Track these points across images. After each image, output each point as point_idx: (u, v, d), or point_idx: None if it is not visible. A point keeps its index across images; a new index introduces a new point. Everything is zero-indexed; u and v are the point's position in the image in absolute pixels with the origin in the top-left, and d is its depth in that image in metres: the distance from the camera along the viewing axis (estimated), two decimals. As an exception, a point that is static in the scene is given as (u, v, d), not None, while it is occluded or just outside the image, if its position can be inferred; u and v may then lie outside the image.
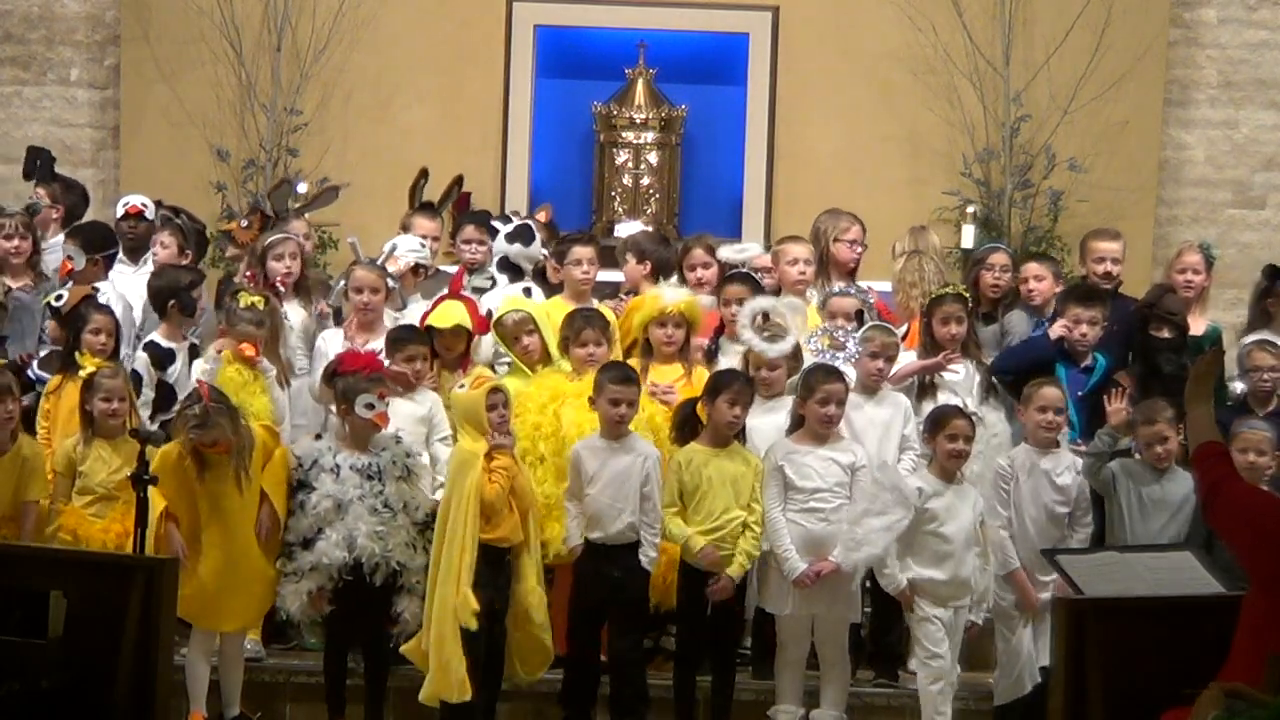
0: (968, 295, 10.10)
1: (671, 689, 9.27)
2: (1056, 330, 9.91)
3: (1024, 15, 13.54)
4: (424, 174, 12.35)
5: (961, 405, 9.47)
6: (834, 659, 9.21)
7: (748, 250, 10.92)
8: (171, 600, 7.38)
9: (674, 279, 10.33)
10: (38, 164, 11.84)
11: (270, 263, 10.23)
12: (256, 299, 9.74)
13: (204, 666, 9.02)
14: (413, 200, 11.92)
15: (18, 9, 13.64)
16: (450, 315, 9.72)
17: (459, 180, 12.51)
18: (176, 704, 8.58)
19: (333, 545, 8.93)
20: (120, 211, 11.25)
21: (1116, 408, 9.40)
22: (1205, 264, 10.84)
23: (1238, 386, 10.25)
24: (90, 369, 9.34)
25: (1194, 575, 7.43)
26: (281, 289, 10.19)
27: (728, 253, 10.83)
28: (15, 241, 10.64)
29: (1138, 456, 9.43)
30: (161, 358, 9.78)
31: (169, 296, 9.93)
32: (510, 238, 10.74)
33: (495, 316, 9.88)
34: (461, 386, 9.10)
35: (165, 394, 9.67)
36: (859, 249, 10.89)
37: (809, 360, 9.65)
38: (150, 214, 11.15)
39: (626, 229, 12.11)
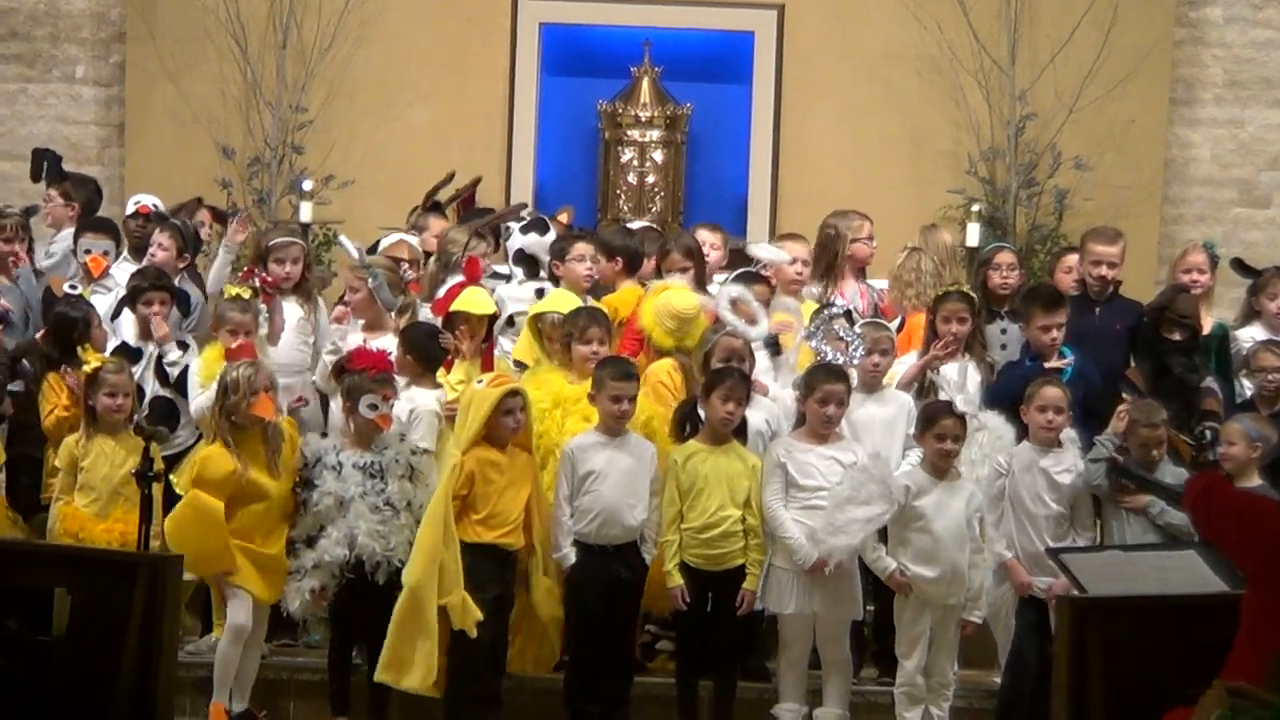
0: (973, 294, 10.10)
1: (674, 688, 9.28)
2: (1054, 365, 9.90)
3: (1029, 14, 13.55)
4: (450, 177, 12.30)
5: (953, 403, 9.43)
6: (836, 658, 9.20)
7: (779, 254, 10.88)
8: (176, 597, 7.39)
9: (676, 276, 10.26)
10: (45, 165, 11.81)
11: (272, 265, 10.23)
12: (241, 290, 9.77)
13: (235, 656, 9.00)
14: (427, 199, 11.91)
15: (23, 6, 13.66)
16: (483, 302, 9.70)
17: (477, 181, 12.47)
18: (181, 702, 8.59)
19: (334, 543, 8.94)
20: (130, 209, 11.25)
21: (1122, 412, 9.42)
22: (1210, 263, 10.85)
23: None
24: (94, 364, 9.33)
25: (1198, 574, 7.43)
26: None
27: (760, 252, 10.80)
28: (14, 245, 10.65)
29: (1122, 459, 9.45)
30: (130, 357, 9.76)
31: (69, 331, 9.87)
32: (525, 230, 10.72)
33: (534, 311, 9.91)
34: (480, 382, 9.09)
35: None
36: (873, 245, 10.93)
37: (803, 357, 9.67)
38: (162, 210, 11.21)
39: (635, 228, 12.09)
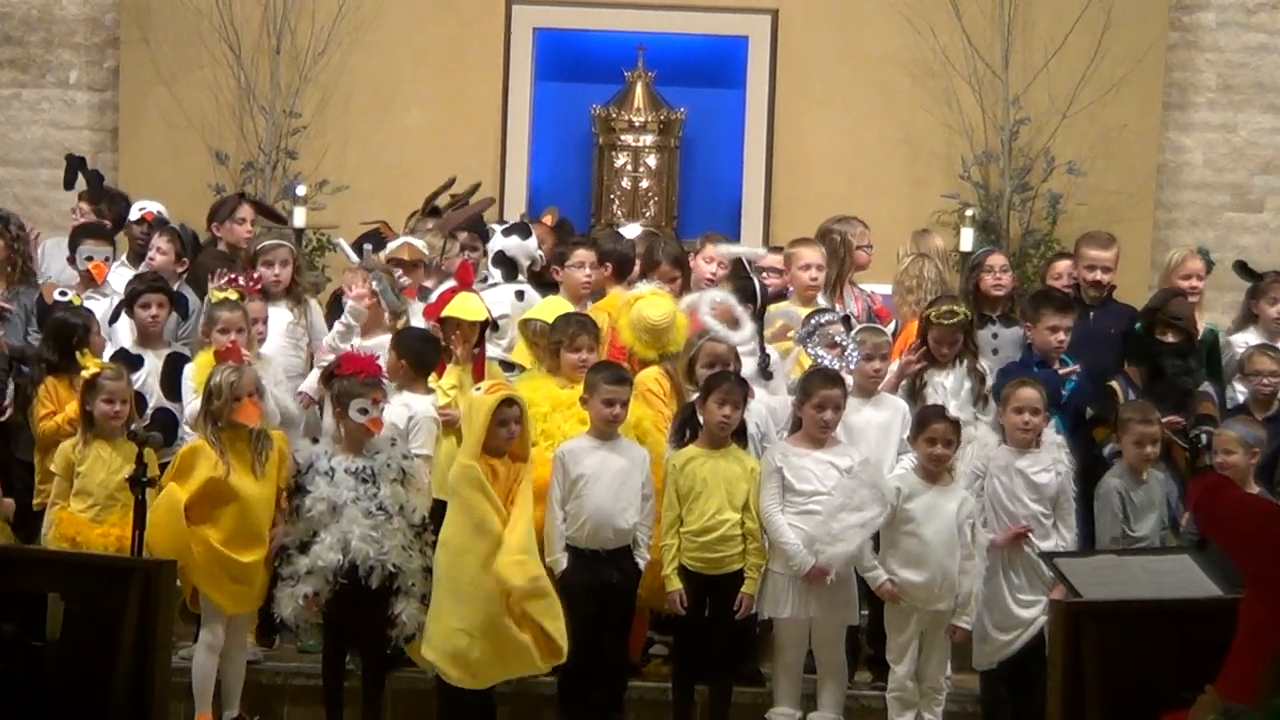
0: (969, 315, 10.01)
1: (669, 693, 9.29)
2: (1065, 373, 9.91)
3: (1023, 18, 13.56)
4: (450, 182, 12.29)
5: (946, 408, 9.43)
6: (831, 662, 9.20)
7: (751, 250, 10.90)
8: (170, 602, 7.39)
9: (654, 282, 10.25)
10: (77, 174, 11.75)
11: (260, 268, 10.22)
12: (228, 293, 9.76)
13: (213, 661, 9.01)
14: (426, 204, 11.92)
15: (17, 11, 13.66)
16: (475, 308, 9.70)
17: (476, 187, 12.44)
18: (176, 706, 8.59)
19: (327, 548, 8.92)
20: (136, 215, 11.24)
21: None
22: (1205, 269, 10.87)
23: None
24: (93, 369, 9.33)
25: (1192, 578, 7.43)
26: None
27: (732, 251, 10.82)
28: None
29: (1116, 460, 9.47)
30: (130, 364, 9.76)
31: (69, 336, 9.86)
32: (507, 232, 10.74)
33: (522, 317, 9.92)
34: (478, 389, 9.08)
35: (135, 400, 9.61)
36: (871, 250, 10.96)
37: (803, 362, 9.68)
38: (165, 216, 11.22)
39: (628, 232, 12.09)
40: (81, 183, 11.73)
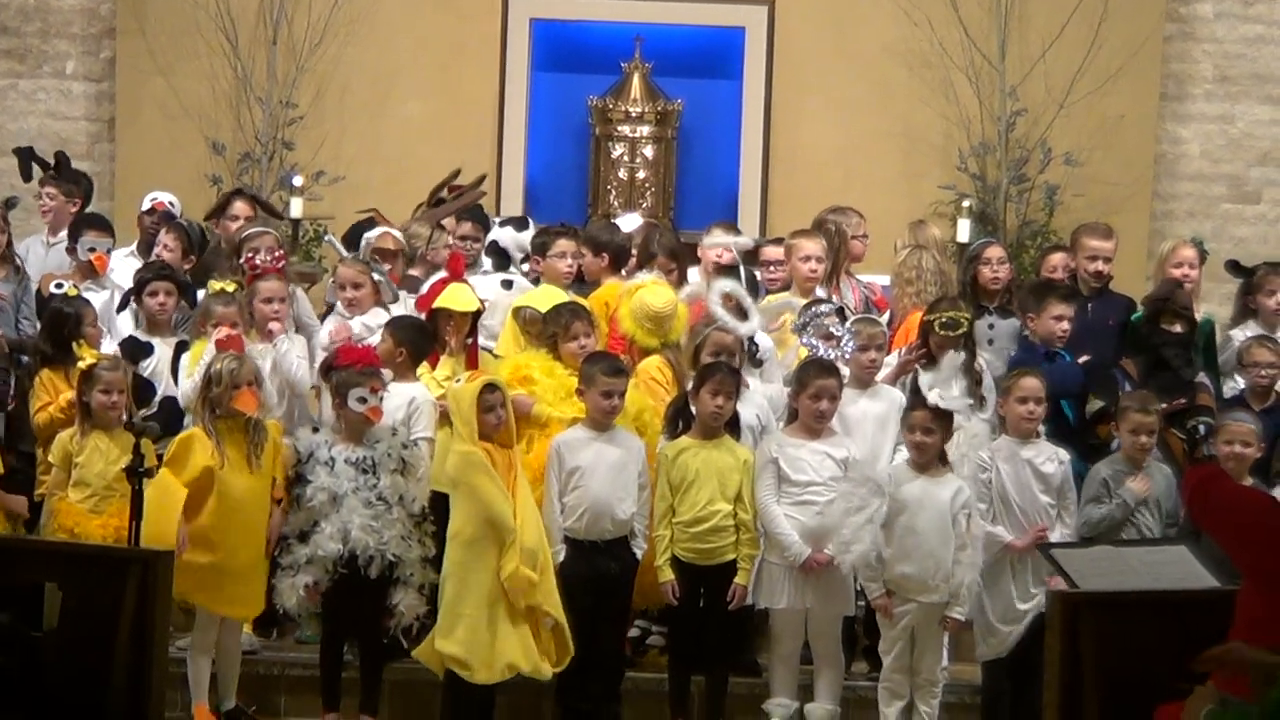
0: (969, 319, 10.00)
1: (665, 684, 9.29)
2: (1084, 361, 9.94)
3: (1020, 9, 13.57)
4: (455, 174, 12.30)
5: (926, 397, 9.42)
6: (828, 653, 9.20)
7: (740, 241, 10.91)
8: (167, 592, 7.38)
9: (653, 273, 10.25)
10: (33, 165, 11.75)
11: (246, 254, 10.20)
12: (226, 284, 9.76)
13: (206, 660, 9.03)
14: (431, 196, 11.93)
15: (13, 1, 13.64)
16: (467, 299, 9.70)
17: (481, 180, 12.44)
18: (173, 697, 8.59)
19: (327, 538, 8.93)
20: (147, 205, 11.24)
21: (1143, 483, 9.34)
22: (1199, 258, 10.87)
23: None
24: (89, 360, 9.32)
25: (1189, 569, 7.44)
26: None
27: (710, 241, 10.82)
28: None
29: (1116, 449, 9.47)
30: (137, 351, 9.76)
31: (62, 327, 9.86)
32: (503, 224, 10.77)
33: (517, 304, 9.94)
34: (458, 380, 9.09)
35: (142, 387, 9.61)
36: (867, 241, 10.95)
37: (801, 354, 9.68)
38: (177, 211, 11.20)
39: (627, 222, 12.09)
40: (38, 171, 11.74)
